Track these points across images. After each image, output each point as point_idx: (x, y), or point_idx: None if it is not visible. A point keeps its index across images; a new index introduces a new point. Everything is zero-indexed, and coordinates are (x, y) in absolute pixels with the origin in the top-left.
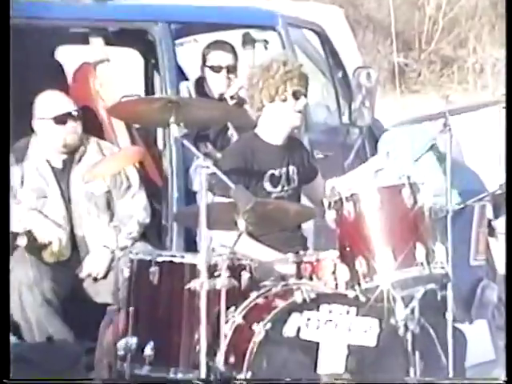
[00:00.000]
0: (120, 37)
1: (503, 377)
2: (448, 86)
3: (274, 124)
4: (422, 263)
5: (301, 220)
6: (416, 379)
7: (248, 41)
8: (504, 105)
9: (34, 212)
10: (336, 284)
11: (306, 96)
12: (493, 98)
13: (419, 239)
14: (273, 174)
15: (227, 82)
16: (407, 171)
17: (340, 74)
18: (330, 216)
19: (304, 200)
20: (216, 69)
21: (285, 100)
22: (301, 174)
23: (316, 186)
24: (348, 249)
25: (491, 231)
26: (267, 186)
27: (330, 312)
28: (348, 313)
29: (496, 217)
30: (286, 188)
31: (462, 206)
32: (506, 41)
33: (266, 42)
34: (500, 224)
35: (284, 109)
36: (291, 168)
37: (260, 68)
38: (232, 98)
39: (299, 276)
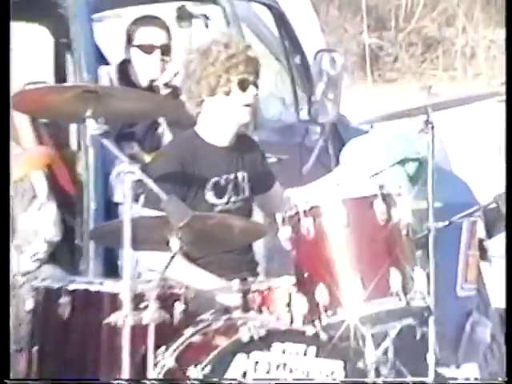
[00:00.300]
0: (23, 9)
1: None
2: (431, 74)
3: (217, 121)
4: (397, 293)
5: (249, 239)
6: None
7: (184, 16)
8: (501, 97)
9: None
10: (291, 318)
11: (255, 86)
12: (487, 88)
13: (394, 263)
14: (217, 182)
15: (160, 65)
16: (380, 179)
17: (298, 59)
18: (285, 234)
19: (258, 215)
20: (146, 49)
21: (228, 92)
22: (253, 182)
23: (273, 197)
24: (306, 275)
25: (483, 254)
26: (210, 196)
27: (284, 352)
28: (306, 354)
29: (489, 236)
30: (233, 199)
31: (446, 222)
32: (506, 25)
33: (206, 17)
34: (494, 245)
35: (228, 103)
36: (241, 174)
37: (197, 53)
38: (166, 86)
39: (246, 308)
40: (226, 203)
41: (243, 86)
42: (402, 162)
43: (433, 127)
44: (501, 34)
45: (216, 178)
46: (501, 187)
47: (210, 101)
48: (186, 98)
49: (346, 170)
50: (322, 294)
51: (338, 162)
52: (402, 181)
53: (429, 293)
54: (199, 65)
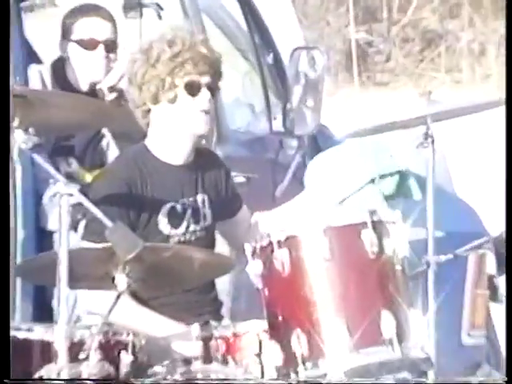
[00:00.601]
0: None
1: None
2: (431, 76)
3: (168, 134)
4: (390, 341)
5: (212, 274)
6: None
7: (132, 5)
8: None
9: None
10: (262, 371)
11: (210, 89)
12: (498, 93)
13: (386, 305)
14: (172, 208)
15: (104, 64)
16: (371, 204)
17: (270, 58)
18: (255, 269)
19: (222, 245)
20: (87, 44)
21: (174, 99)
22: (216, 207)
23: (240, 224)
24: (281, 318)
25: (493, 293)
26: (164, 225)
27: None
28: None
29: (500, 272)
30: (192, 228)
31: (450, 256)
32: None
33: (159, 7)
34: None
35: (176, 111)
36: (200, 197)
37: (139, 53)
38: (111, 89)
39: (208, 359)
40: (184, 233)
41: (192, 89)
42: (376, 181)
43: (433, 141)
44: None
45: (171, 204)
46: None
47: (156, 109)
48: (132, 106)
49: (309, 196)
50: (299, 341)
51: None
52: (377, 203)
53: (428, 341)
54: (141, 67)
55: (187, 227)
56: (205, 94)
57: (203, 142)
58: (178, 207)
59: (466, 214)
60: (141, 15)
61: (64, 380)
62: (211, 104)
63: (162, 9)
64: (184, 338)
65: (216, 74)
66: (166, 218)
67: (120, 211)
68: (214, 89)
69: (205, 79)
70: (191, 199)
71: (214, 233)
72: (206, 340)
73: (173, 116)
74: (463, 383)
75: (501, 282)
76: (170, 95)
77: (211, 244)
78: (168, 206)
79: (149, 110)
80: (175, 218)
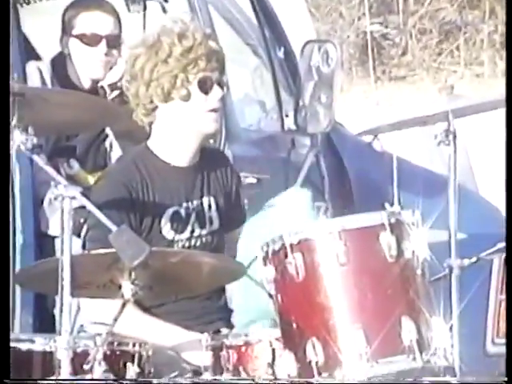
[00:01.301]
0: None
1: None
2: (451, 70)
3: (175, 134)
4: (410, 349)
5: (222, 281)
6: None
7: None
8: None
9: None
10: (275, 381)
11: (220, 86)
12: None
13: (406, 312)
14: (176, 213)
15: (106, 61)
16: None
17: (281, 53)
18: (267, 274)
19: (232, 250)
20: (88, 40)
21: (188, 97)
22: (225, 211)
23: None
24: (295, 326)
25: None
26: (167, 230)
27: None
28: None
29: None
30: (198, 233)
31: (473, 259)
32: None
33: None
34: None
35: (188, 110)
36: (206, 200)
37: (143, 46)
38: (113, 87)
39: (219, 369)
40: (189, 238)
41: (205, 86)
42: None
43: (455, 137)
44: None
45: (174, 208)
46: None
47: (165, 108)
48: (133, 104)
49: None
50: (314, 350)
51: (331, 182)
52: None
53: (452, 348)
54: (148, 62)
55: (192, 232)
56: (217, 91)
57: (211, 141)
58: (182, 211)
59: (490, 215)
60: (144, 8)
61: (65, 380)
62: (221, 101)
63: (166, 1)
64: (193, 348)
65: (223, 70)
66: (169, 222)
67: (120, 216)
68: (223, 86)
69: (216, 76)
70: (196, 202)
71: (224, 237)
72: (216, 349)
73: (184, 114)
74: (463, 383)
75: None
76: (183, 92)
77: (219, 249)
78: (171, 210)
79: (154, 108)
80: (179, 223)
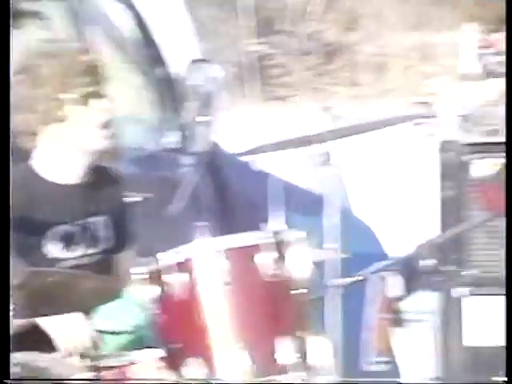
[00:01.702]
0: None
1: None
2: (332, 91)
3: (58, 154)
4: (291, 368)
5: (97, 302)
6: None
7: (13, 14)
8: (419, 120)
9: None
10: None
11: (103, 99)
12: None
13: (283, 332)
14: (63, 231)
15: None
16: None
17: (163, 72)
18: (151, 294)
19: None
20: None
21: (65, 117)
22: (114, 229)
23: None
24: (178, 346)
25: (395, 318)
26: (54, 248)
27: None
28: None
29: (406, 294)
30: (85, 251)
31: (350, 279)
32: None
33: (42, 16)
34: (412, 304)
35: (69, 129)
36: (98, 219)
37: (22, 71)
38: None
39: None
40: (79, 256)
41: (85, 103)
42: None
43: (330, 158)
44: (420, 39)
45: (61, 226)
46: (415, 234)
47: (45, 131)
48: (14, 132)
49: None
50: (198, 370)
51: (216, 200)
52: None
53: (332, 368)
54: (26, 87)
55: (79, 250)
56: (99, 107)
57: (99, 159)
58: (70, 229)
59: (364, 234)
60: (22, 25)
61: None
62: (107, 117)
63: (45, 18)
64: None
65: (104, 85)
66: (56, 241)
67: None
68: (105, 102)
69: (95, 91)
70: (87, 220)
71: (112, 257)
72: (96, 370)
73: (65, 134)
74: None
75: (405, 305)
76: (61, 114)
77: (108, 269)
78: (57, 228)
79: (35, 133)
80: (66, 241)
